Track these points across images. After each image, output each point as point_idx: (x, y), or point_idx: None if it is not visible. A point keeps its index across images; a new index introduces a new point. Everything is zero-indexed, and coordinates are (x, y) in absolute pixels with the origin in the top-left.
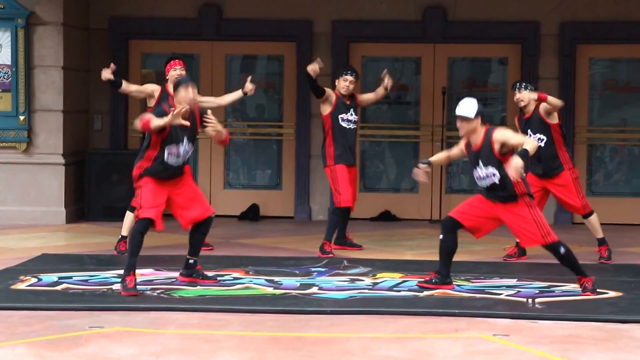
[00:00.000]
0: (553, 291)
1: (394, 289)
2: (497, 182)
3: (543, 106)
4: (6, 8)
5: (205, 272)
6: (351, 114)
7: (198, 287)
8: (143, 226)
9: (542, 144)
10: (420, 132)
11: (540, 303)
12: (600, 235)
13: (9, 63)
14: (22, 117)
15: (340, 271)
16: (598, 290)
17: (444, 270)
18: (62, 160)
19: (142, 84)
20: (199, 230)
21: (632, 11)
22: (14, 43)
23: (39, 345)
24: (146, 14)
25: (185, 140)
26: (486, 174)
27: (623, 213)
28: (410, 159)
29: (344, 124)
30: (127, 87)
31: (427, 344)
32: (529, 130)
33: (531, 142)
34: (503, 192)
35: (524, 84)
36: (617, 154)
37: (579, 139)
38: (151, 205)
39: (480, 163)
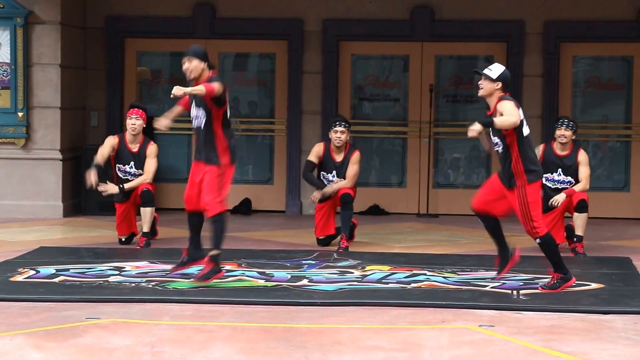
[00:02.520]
0: (537, 283)
1: (383, 281)
2: (500, 151)
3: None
4: (5, 7)
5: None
6: (333, 176)
7: (192, 279)
8: None
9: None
10: (408, 128)
11: (524, 295)
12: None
13: (8, 61)
14: (20, 114)
15: (330, 264)
16: (580, 282)
17: (501, 251)
18: (60, 156)
19: (137, 80)
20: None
21: (614, 11)
22: (13, 41)
23: (37, 336)
24: (141, 13)
25: (193, 104)
26: (494, 142)
27: (605, 207)
28: (399, 154)
29: (326, 182)
30: (101, 159)
31: (415, 334)
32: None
33: (509, 120)
34: (507, 168)
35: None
36: (599, 150)
37: None
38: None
39: (490, 131)
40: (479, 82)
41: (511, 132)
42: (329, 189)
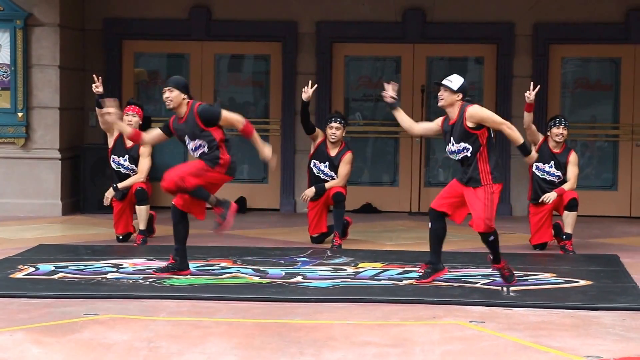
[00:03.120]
0: (526, 280)
1: (375, 278)
2: (469, 155)
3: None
4: (5, 10)
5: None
6: (326, 166)
7: (188, 276)
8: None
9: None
10: (400, 128)
11: (514, 291)
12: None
13: (8, 62)
14: (20, 114)
15: (324, 261)
16: (569, 279)
17: (435, 258)
18: (59, 155)
19: (135, 81)
20: None
21: (602, 13)
22: (13, 43)
23: (36, 332)
24: (139, 15)
25: (187, 138)
26: (458, 149)
27: (593, 205)
28: (391, 154)
29: (315, 171)
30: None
31: (407, 330)
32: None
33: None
34: (474, 170)
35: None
36: (587, 149)
37: None
38: None
39: (452, 139)
40: (439, 93)
41: (483, 137)
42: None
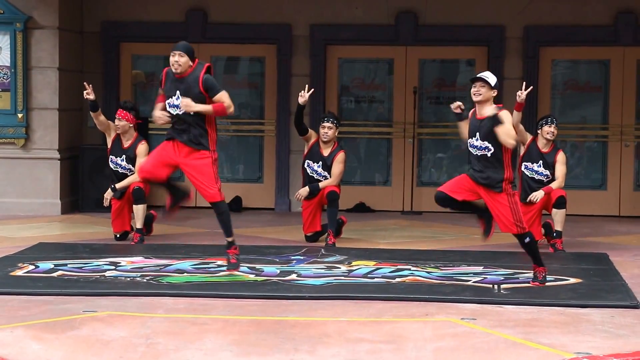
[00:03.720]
0: (517, 278)
1: (368, 275)
2: (488, 155)
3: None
4: (5, 13)
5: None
6: (319, 166)
7: (185, 274)
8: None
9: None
10: (393, 129)
11: (505, 289)
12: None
13: (8, 64)
14: (20, 115)
15: (318, 259)
16: (559, 277)
17: (474, 208)
18: (58, 155)
19: (132, 83)
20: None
21: (591, 16)
22: (13, 46)
23: (36, 328)
24: (136, 18)
25: (178, 93)
26: (480, 145)
27: (583, 205)
28: (384, 154)
29: (309, 170)
30: (96, 115)
31: (400, 327)
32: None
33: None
34: (490, 171)
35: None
36: (577, 150)
37: None
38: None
39: (478, 135)
40: (476, 89)
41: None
42: (323, 184)
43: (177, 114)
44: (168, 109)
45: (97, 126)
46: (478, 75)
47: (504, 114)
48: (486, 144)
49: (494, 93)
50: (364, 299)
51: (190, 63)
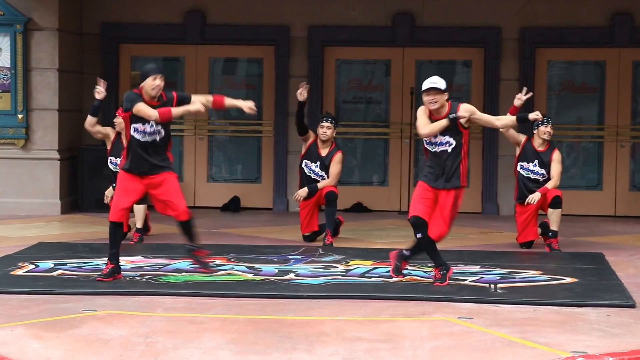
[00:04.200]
0: (514, 277)
1: (366, 275)
2: (449, 150)
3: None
4: (6, 15)
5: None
6: (317, 166)
7: (183, 273)
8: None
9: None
10: (390, 129)
11: (501, 288)
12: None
13: (9, 65)
14: (20, 116)
15: (316, 259)
16: (555, 276)
17: (439, 260)
18: (58, 156)
19: (131, 84)
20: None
21: (587, 17)
22: (13, 47)
23: (36, 327)
24: (135, 20)
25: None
26: (440, 141)
27: (578, 205)
28: (381, 155)
29: (306, 170)
30: (93, 122)
31: (397, 326)
32: None
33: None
34: (451, 167)
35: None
36: (573, 150)
37: None
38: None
39: (447, 127)
40: (431, 98)
41: (467, 131)
42: (321, 184)
43: (145, 143)
44: (138, 137)
45: (92, 135)
46: (431, 86)
47: (466, 106)
48: (447, 138)
49: (446, 95)
50: (362, 298)
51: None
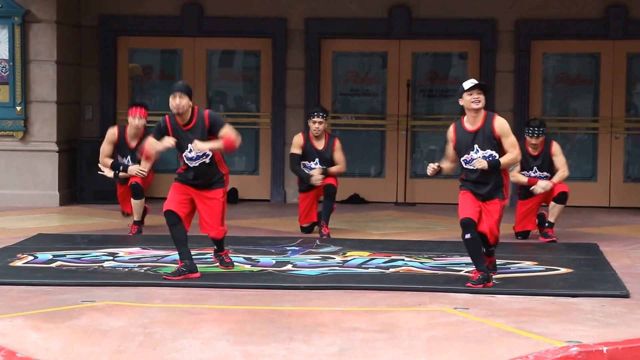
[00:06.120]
0: (509, 268)
1: (363, 266)
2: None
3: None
4: (4, 7)
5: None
6: (316, 163)
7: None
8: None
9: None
10: (387, 121)
11: (497, 279)
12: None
13: (7, 58)
14: (18, 108)
15: (313, 250)
16: (550, 267)
17: (483, 264)
18: (56, 148)
19: (129, 76)
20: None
21: (582, 10)
22: (11, 39)
23: (35, 318)
24: (133, 12)
25: (189, 147)
26: (484, 155)
27: (573, 196)
28: (378, 146)
29: (307, 171)
30: (107, 158)
31: (393, 316)
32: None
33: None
34: (492, 179)
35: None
36: (568, 142)
37: None
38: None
39: (476, 147)
40: (477, 96)
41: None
42: (334, 169)
43: (195, 166)
44: (186, 161)
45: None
46: (479, 83)
47: (502, 121)
48: (489, 152)
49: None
50: (359, 289)
51: (190, 103)
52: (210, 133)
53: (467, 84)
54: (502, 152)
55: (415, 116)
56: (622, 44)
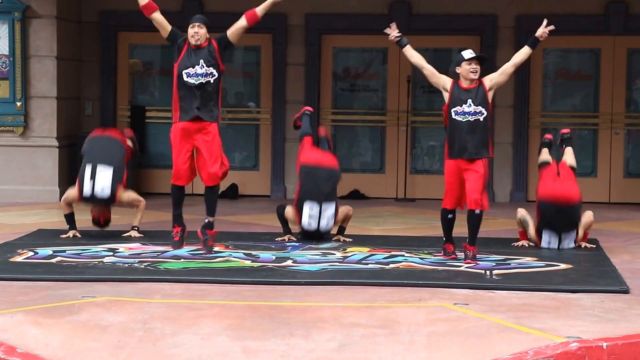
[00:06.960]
0: (509, 264)
1: (363, 262)
2: (481, 120)
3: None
4: (4, 2)
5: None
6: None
7: (182, 260)
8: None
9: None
10: (387, 117)
11: (497, 274)
12: None
13: (7, 53)
14: (19, 103)
15: (313, 245)
16: (550, 262)
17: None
18: (56, 143)
19: (130, 72)
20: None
21: (582, 5)
22: (11, 35)
23: (36, 313)
24: (133, 8)
25: (201, 62)
26: (474, 110)
27: None
28: (378, 142)
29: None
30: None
31: (393, 312)
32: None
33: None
34: (480, 134)
35: None
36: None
37: (533, 124)
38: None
39: (470, 102)
40: (475, 66)
41: (491, 102)
42: None
43: (201, 83)
44: (187, 78)
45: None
46: (478, 54)
47: (487, 78)
48: (480, 108)
49: None
50: (358, 284)
51: (208, 35)
52: (221, 47)
53: (467, 53)
54: (489, 109)
55: (415, 112)
56: (623, 39)
